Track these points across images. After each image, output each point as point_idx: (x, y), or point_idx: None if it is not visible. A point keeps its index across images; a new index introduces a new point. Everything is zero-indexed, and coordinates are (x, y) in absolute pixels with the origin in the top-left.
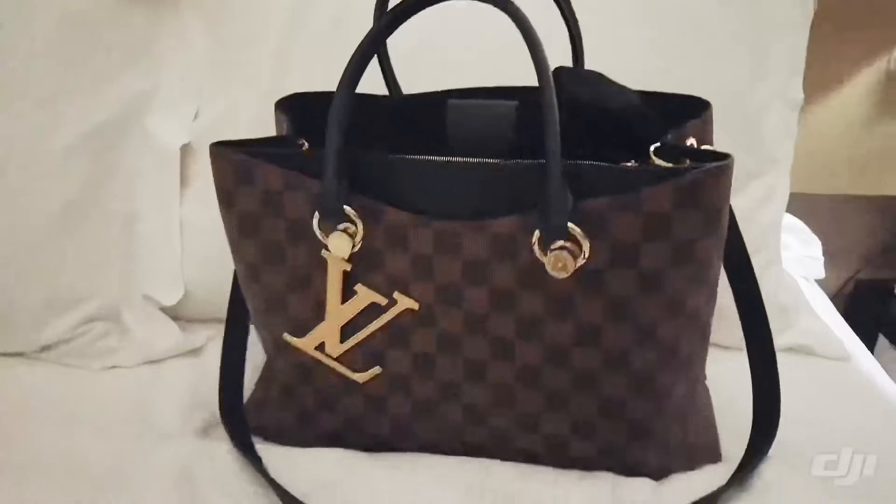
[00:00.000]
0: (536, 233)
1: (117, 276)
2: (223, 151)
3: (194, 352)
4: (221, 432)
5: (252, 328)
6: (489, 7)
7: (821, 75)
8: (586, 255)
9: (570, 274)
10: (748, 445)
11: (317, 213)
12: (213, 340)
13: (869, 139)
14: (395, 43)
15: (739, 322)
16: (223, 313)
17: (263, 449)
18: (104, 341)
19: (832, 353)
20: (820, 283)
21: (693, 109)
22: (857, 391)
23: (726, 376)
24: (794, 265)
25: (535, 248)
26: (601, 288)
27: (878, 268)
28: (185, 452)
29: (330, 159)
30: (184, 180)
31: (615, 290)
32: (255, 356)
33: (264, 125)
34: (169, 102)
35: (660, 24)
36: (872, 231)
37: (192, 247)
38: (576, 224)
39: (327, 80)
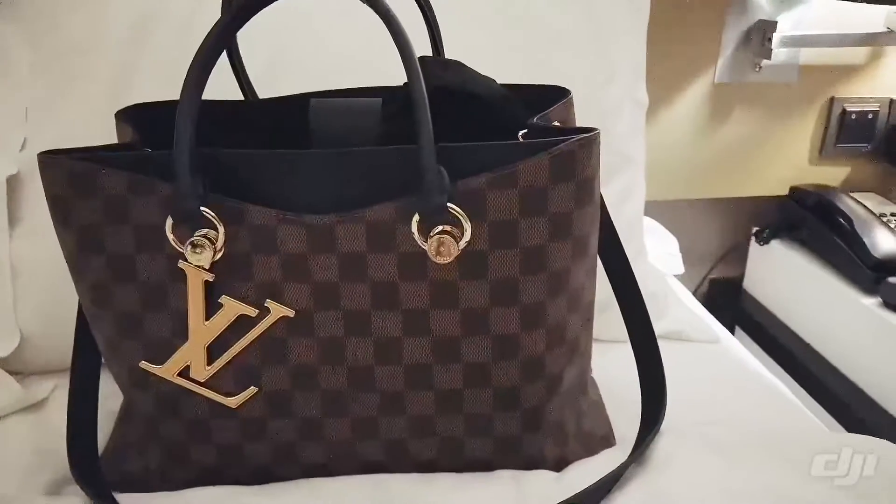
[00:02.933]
0: (416, 218)
1: None
2: (54, 159)
3: (36, 406)
4: (74, 490)
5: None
6: (348, 5)
7: (655, 89)
8: (468, 237)
9: (452, 258)
10: (640, 424)
11: (169, 219)
12: (58, 390)
13: (703, 147)
14: (250, 47)
15: (619, 316)
16: (69, 361)
17: (128, 499)
18: None
19: (703, 336)
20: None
21: (553, 97)
22: (730, 369)
23: (610, 367)
24: (654, 262)
25: (416, 234)
26: (484, 270)
27: (726, 266)
28: None
29: (182, 155)
30: (13, 215)
31: (498, 270)
32: (112, 403)
33: None
34: None
35: (513, 28)
36: (716, 233)
37: (27, 289)
38: (455, 205)
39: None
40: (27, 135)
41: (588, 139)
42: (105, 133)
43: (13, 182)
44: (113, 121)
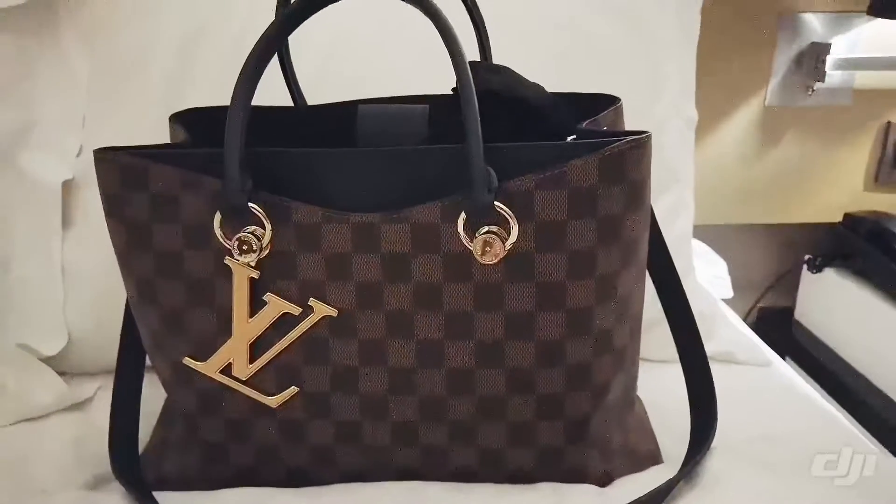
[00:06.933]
0: (462, 217)
1: None
2: (108, 154)
3: (81, 405)
4: (114, 486)
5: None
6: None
7: (704, 111)
8: (514, 238)
9: (498, 259)
10: (690, 440)
11: (218, 214)
12: (103, 391)
13: (753, 171)
14: (301, 53)
15: (666, 335)
16: (114, 363)
17: (166, 497)
18: None
19: (754, 359)
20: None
21: (603, 104)
22: (782, 392)
23: (656, 387)
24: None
25: (461, 233)
26: (531, 272)
27: (777, 295)
28: None
29: (232, 151)
30: (67, 219)
31: (545, 273)
32: (154, 405)
33: None
34: (47, 137)
35: (559, 40)
36: (767, 259)
37: (77, 291)
38: (502, 204)
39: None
40: (83, 141)
41: (639, 141)
42: (158, 140)
43: (69, 187)
44: (166, 129)
